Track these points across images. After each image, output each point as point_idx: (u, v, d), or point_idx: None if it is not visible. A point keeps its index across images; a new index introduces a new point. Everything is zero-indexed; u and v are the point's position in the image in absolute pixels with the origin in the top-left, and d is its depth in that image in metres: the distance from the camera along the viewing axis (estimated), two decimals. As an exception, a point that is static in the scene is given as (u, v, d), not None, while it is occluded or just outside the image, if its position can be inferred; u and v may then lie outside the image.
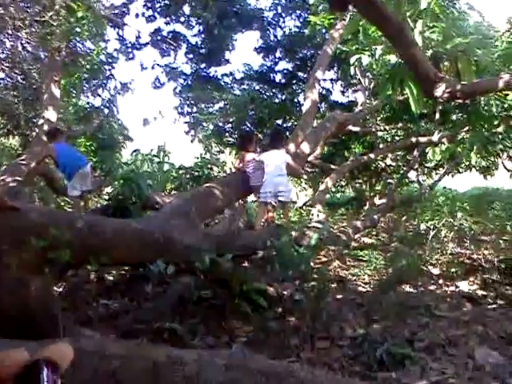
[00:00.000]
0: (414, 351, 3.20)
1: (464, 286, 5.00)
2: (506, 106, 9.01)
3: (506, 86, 5.01)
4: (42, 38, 9.28)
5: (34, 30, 9.91)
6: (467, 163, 11.70)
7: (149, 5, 14.82)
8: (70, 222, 4.32)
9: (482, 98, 9.08)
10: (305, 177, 7.15)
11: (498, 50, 9.82)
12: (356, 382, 2.90)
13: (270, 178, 6.66)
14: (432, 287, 5.03)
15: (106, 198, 7.23)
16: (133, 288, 4.41)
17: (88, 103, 13.18)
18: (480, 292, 4.79)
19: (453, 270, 5.44)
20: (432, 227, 6.89)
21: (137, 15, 14.71)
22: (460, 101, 9.12)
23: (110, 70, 12.64)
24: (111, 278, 4.74)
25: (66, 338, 2.61)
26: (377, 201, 11.98)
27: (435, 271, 5.64)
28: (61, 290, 4.22)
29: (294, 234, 5.76)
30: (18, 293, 3.26)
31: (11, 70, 11.01)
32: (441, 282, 5.22)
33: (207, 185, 6.51)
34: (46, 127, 8.56)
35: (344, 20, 10.00)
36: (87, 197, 7.65)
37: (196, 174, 8.75)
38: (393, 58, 6.30)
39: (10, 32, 10.23)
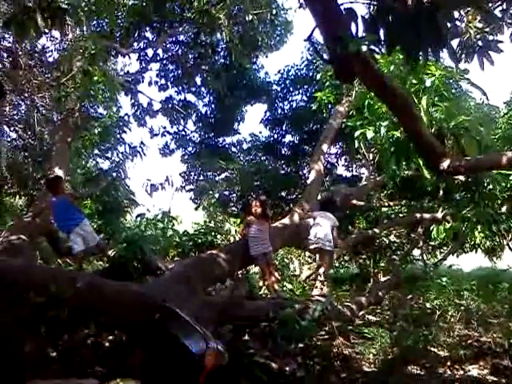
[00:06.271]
0: None
1: (474, 370, 4.79)
2: (509, 185, 9.03)
3: (508, 163, 5.01)
4: (56, 100, 9.51)
5: (50, 93, 10.23)
6: (472, 243, 11.59)
7: (162, 74, 15.38)
8: (70, 281, 4.26)
9: (486, 178, 9.12)
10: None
11: (499, 132, 9.98)
12: None
13: (319, 231, 7.33)
14: (439, 370, 4.81)
15: (108, 260, 7.05)
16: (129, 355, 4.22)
17: (97, 165, 13.36)
18: (490, 378, 4.57)
19: (461, 352, 5.21)
20: (438, 306, 6.71)
21: (150, 83, 15.22)
22: (463, 179, 9.16)
23: (120, 133, 12.83)
24: (107, 344, 4.55)
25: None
26: (381, 277, 11.76)
27: (442, 353, 5.41)
28: (55, 354, 4.04)
29: (297, 306, 5.60)
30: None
31: (24, 132, 11.25)
32: (448, 364, 5.00)
33: (210, 252, 6.39)
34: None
35: (350, 96, 10.31)
36: (105, 247, 7.27)
37: (199, 240, 8.67)
38: (397, 134, 6.37)
39: (26, 95, 10.56)
